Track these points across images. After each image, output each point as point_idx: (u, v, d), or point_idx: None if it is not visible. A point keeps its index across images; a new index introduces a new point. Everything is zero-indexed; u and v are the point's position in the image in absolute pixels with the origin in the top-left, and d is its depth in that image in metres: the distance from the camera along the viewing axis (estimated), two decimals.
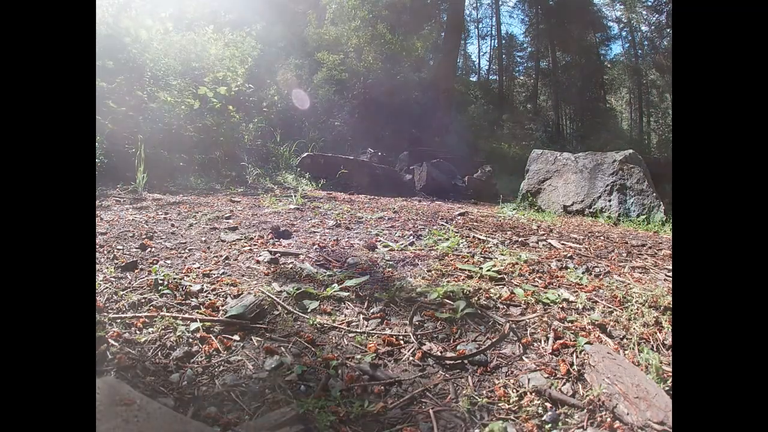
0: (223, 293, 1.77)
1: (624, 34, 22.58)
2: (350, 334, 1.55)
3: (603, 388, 1.23)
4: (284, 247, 2.54)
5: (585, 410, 1.18)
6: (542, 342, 1.56)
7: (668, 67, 18.96)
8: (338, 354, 1.41)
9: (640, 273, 2.50)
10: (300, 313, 1.66)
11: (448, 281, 2.03)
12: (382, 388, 1.25)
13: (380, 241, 2.80)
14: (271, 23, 10.84)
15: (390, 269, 2.22)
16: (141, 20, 5.73)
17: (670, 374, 1.35)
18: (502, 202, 6.70)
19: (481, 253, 2.59)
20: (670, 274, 2.47)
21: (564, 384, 1.31)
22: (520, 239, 3.20)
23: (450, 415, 1.16)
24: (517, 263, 2.44)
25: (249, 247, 2.47)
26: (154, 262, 2.10)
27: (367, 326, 1.62)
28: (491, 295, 1.90)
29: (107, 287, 1.73)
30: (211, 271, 2.04)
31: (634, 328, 1.66)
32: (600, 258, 2.81)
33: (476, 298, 1.84)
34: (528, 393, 1.24)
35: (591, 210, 5.67)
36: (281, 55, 11.27)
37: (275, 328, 1.56)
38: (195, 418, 1.08)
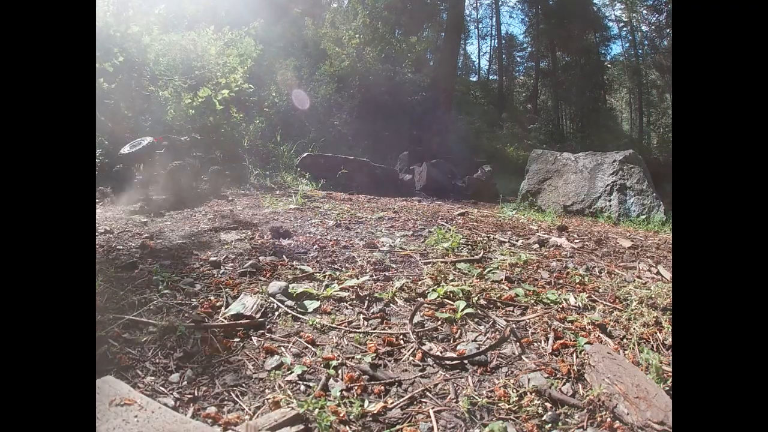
0: (223, 293, 1.77)
1: (624, 34, 22.59)
2: (350, 334, 1.55)
3: (603, 388, 1.23)
4: (284, 247, 2.54)
5: (585, 410, 1.18)
6: (542, 342, 1.56)
7: (668, 67, 18.95)
8: (338, 354, 1.41)
9: (640, 273, 2.50)
10: (300, 313, 1.66)
11: (448, 281, 2.03)
12: (382, 388, 1.25)
13: (380, 241, 2.80)
14: (271, 23, 10.84)
15: (390, 269, 2.22)
16: (140, 20, 5.73)
17: (670, 374, 1.35)
18: (502, 202, 6.70)
19: (481, 254, 2.59)
20: (670, 274, 2.47)
21: (564, 384, 1.31)
22: (520, 239, 3.20)
23: (450, 415, 1.16)
24: (517, 263, 2.44)
25: (249, 247, 2.47)
26: (154, 261, 2.10)
27: (367, 326, 1.62)
28: (491, 295, 1.90)
29: (107, 287, 1.73)
30: (211, 270, 2.04)
31: (634, 328, 1.66)
32: (600, 258, 2.81)
33: (476, 298, 1.84)
34: (528, 393, 1.24)
35: (591, 210, 5.67)
36: (281, 55, 11.27)
37: (275, 328, 1.56)
38: (195, 418, 1.08)
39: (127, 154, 3.96)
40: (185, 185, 4.33)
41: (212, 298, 1.74)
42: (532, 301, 1.88)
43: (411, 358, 1.43)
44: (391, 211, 4.25)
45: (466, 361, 1.41)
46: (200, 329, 1.48)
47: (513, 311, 1.81)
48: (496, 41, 25.95)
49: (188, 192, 4.31)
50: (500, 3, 25.37)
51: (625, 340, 1.61)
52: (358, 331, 1.57)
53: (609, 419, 1.14)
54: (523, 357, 1.46)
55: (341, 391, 1.21)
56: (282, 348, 1.43)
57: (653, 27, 20.96)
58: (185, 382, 1.22)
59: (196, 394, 1.18)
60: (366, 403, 1.17)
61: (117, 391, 1.04)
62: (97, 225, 2.79)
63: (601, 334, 1.63)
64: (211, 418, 1.08)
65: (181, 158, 4.43)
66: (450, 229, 3.26)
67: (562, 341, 1.54)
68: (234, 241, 2.60)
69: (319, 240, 2.75)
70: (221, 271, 2.04)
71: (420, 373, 1.35)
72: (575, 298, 1.95)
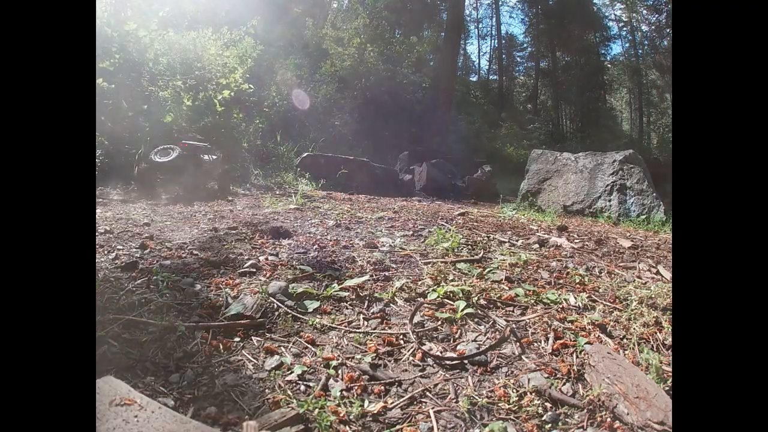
0: (223, 293, 1.77)
1: (624, 34, 22.60)
2: (350, 334, 1.55)
3: (603, 388, 1.22)
4: (284, 247, 2.54)
5: (585, 410, 1.18)
6: (542, 342, 1.56)
7: (668, 67, 18.96)
8: (338, 354, 1.41)
9: (640, 273, 2.50)
10: (300, 313, 1.66)
11: (448, 281, 2.03)
12: (382, 388, 1.25)
13: (380, 241, 2.80)
14: (271, 23, 10.85)
15: (390, 269, 2.22)
16: (140, 19, 5.73)
17: (670, 374, 1.35)
18: (502, 202, 6.70)
19: (481, 254, 2.59)
20: (670, 274, 2.47)
21: (564, 384, 1.31)
22: (520, 239, 3.20)
23: (450, 415, 1.16)
24: (517, 263, 2.44)
25: (249, 247, 2.47)
26: (155, 261, 2.10)
27: (367, 326, 1.62)
28: (491, 295, 1.90)
29: (107, 287, 1.73)
30: (211, 270, 2.04)
31: (634, 328, 1.66)
32: (600, 258, 2.81)
33: (476, 298, 1.84)
34: (528, 393, 1.24)
35: (591, 210, 5.67)
36: (281, 54, 11.28)
37: (275, 328, 1.56)
38: (195, 418, 1.08)
39: (159, 162, 4.59)
40: (200, 184, 4.83)
41: (212, 298, 1.74)
42: (532, 301, 1.88)
43: (411, 358, 1.42)
44: (391, 211, 4.25)
45: (466, 361, 1.41)
46: (200, 329, 1.48)
47: (513, 311, 1.81)
48: (496, 41, 25.99)
49: (203, 190, 4.77)
50: (500, 3, 25.40)
51: (625, 340, 1.61)
52: (358, 331, 1.57)
53: (609, 419, 1.14)
54: (523, 357, 1.46)
55: (341, 391, 1.21)
56: (282, 348, 1.43)
57: (653, 27, 20.97)
58: (185, 382, 1.22)
59: (196, 394, 1.18)
60: (366, 403, 1.17)
61: (117, 391, 1.03)
62: (97, 225, 2.79)
63: (601, 334, 1.63)
64: (211, 418, 1.08)
65: (199, 160, 4.92)
66: (450, 229, 3.26)
67: (562, 341, 1.54)
68: (234, 241, 2.60)
69: (319, 240, 2.75)
70: (221, 271, 2.04)
71: (420, 373, 1.35)
72: (575, 298, 1.95)
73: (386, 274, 2.14)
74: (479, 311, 1.76)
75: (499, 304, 1.85)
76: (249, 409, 1.13)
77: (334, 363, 1.34)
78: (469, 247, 2.77)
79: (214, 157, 5.23)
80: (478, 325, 1.67)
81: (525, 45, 25.27)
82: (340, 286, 1.88)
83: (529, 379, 1.31)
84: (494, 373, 1.36)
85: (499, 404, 1.20)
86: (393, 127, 11.50)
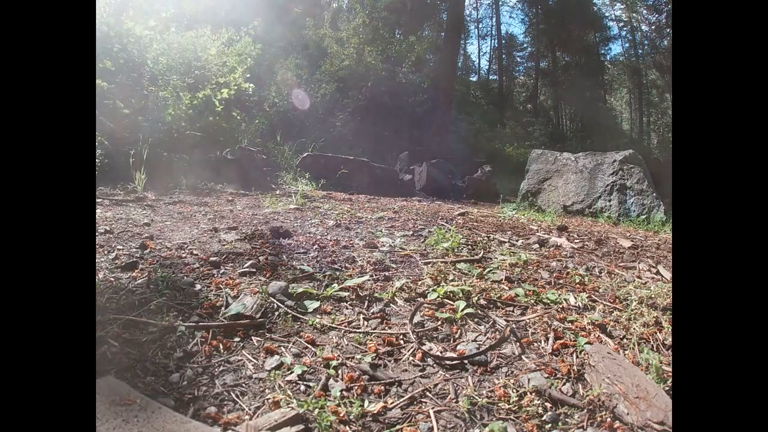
0: (223, 293, 1.77)
1: (624, 33, 22.62)
2: (350, 334, 1.55)
3: (603, 388, 1.23)
4: (284, 247, 2.54)
5: (585, 410, 1.18)
6: (542, 342, 1.56)
7: (668, 67, 18.97)
8: (338, 354, 1.41)
9: (640, 273, 2.50)
10: (300, 313, 1.66)
11: (448, 281, 2.03)
12: (382, 388, 1.25)
13: (380, 241, 2.80)
14: (271, 23, 10.84)
15: (390, 269, 2.22)
16: (141, 19, 5.73)
17: (670, 374, 1.35)
18: (502, 202, 6.70)
19: (481, 254, 2.59)
20: (670, 274, 2.47)
21: (564, 384, 1.31)
22: (520, 239, 3.20)
23: (450, 415, 1.16)
24: (517, 263, 2.44)
25: (249, 247, 2.47)
26: (154, 262, 2.10)
27: (367, 326, 1.62)
28: (491, 295, 1.90)
29: (107, 287, 1.73)
30: (211, 271, 2.04)
31: (634, 328, 1.66)
32: (600, 258, 2.81)
33: (476, 298, 1.84)
34: (528, 393, 1.24)
35: (591, 210, 5.67)
36: (281, 55, 11.28)
37: (275, 328, 1.56)
38: (195, 418, 1.08)
39: (229, 159, 6.15)
40: (255, 177, 6.22)
41: (212, 298, 1.74)
42: (532, 301, 1.88)
43: (411, 358, 1.42)
44: (391, 211, 4.25)
45: (466, 361, 1.41)
46: (200, 329, 1.48)
47: (513, 311, 1.81)
48: (496, 41, 26.00)
49: (255, 180, 6.02)
50: (500, 3, 25.41)
51: (625, 340, 1.61)
52: (358, 331, 1.57)
53: (609, 419, 1.14)
54: (523, 357, 1.46)
55: (341, 391, 1.21)
56: (282, 348, 1.43)
57: (653, 27, 20.99)
58: (185, 382, 1.22)
59: (196, 394, 1.18)
60: (366, 403, 1.17)
61: (117, 391, 1.04)
62: (97, 225, 2.79)
63: (601, 334, 1.63)
64: (211, 418, 1.08)
65: (254, 158, 6.33)
66: (450, 229, 3.26)
67: (562, 341, 1.54)
68: (234, 241, 2.60)
69: (319, 240, 2.75)
70: (221, 271, 2.04)
71: (420, 373, 1.35)
72: (575, 298, 1.95)
73: (386, 274, 2.14)
74: (479, 311, 1.76)
75: (499, 304, 1.85)
76: (249, 409, 1.14)
77: (334, 363, 1.34)
78: (469, 247, 2.77)
79: (264, 157, 6.82)
80: (478, 325, 1.67)
81: (525, 45, 25.30)
82: (340, 286, 1.88)
83: (529, 379, 1.31)
84: (494, 373, 1.36)
85: (499, 404, 1.20)
86: (393, 127, 11.50)
